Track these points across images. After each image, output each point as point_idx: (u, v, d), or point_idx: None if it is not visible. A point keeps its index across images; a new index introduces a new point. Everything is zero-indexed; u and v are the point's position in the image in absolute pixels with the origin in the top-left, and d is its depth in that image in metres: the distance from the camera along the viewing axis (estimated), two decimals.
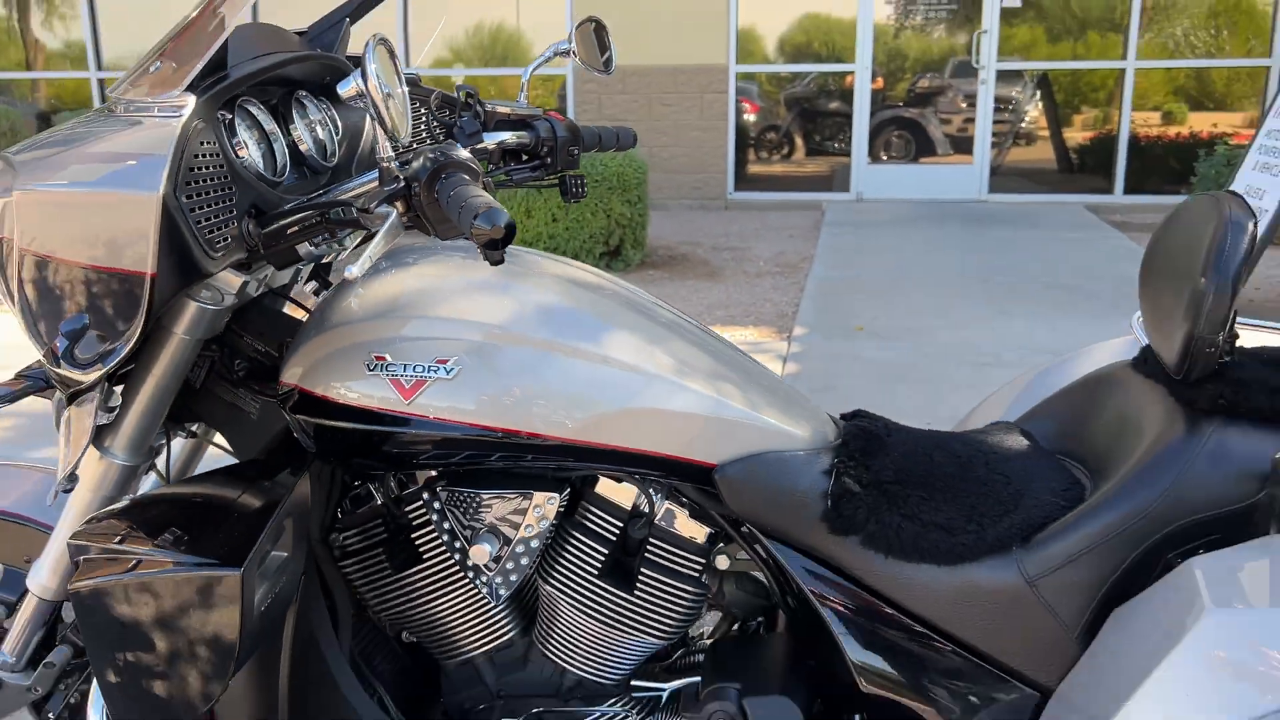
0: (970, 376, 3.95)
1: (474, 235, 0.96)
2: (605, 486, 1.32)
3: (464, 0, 8.79)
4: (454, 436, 1.22)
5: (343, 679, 1.37)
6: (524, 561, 1.31)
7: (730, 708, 1.24)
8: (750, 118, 8.90)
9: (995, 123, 8.53)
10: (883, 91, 8.68)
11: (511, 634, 1.40)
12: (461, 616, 1.38)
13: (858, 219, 7.77)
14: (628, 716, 1.36)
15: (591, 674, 1.38)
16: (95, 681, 1.21)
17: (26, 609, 1.42)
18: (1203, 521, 1.12)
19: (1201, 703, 0.97)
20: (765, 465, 1.25)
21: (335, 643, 1.38)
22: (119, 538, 1.15)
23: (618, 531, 1.32)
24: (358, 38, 1.53)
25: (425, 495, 1.31)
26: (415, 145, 1.10)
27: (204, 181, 1.10)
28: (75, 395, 1.22)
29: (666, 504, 1.32)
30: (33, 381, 1.33)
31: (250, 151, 1.24)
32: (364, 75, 0.97)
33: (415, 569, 1.36)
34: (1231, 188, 4.98)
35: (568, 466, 1.27)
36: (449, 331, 1.22)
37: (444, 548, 1.33)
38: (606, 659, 1.37)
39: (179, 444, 1.54)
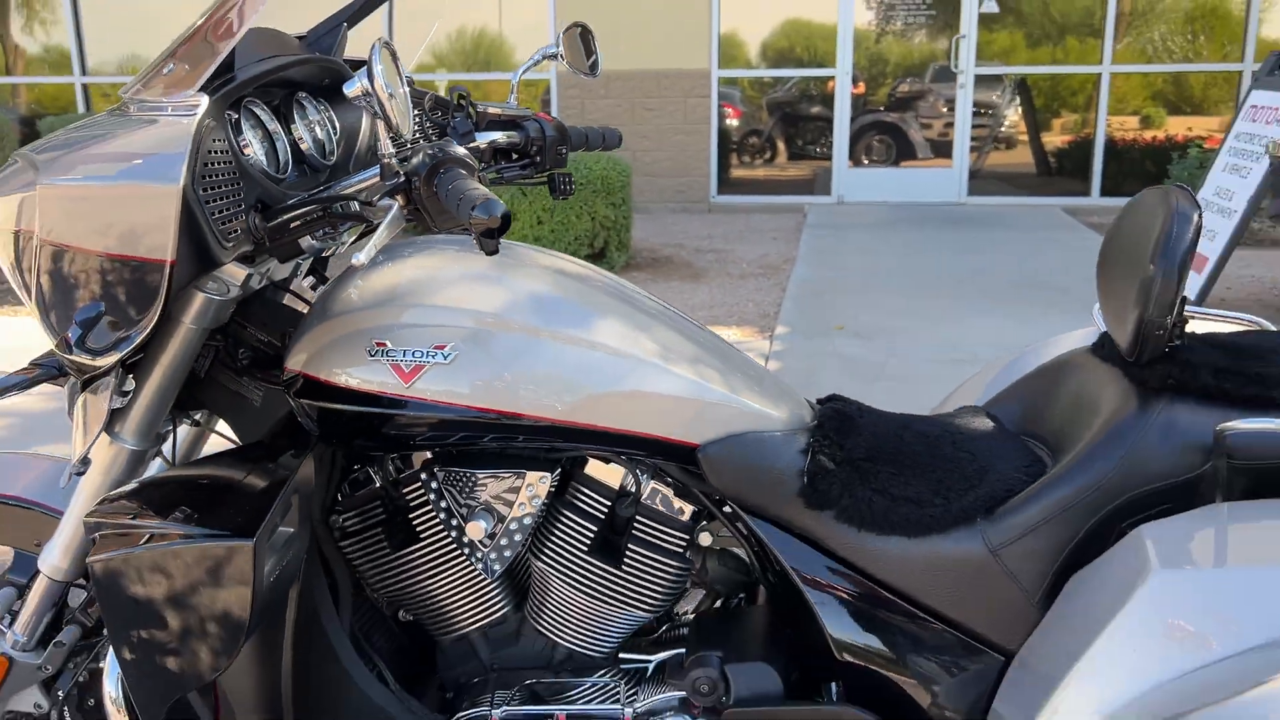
0: (946, 372, 4.04)
1: (472, 225, 1.03)
2: (594, 467, 1.39)
3: (448, 6, 8.85)
4: (450, 418, 1.29)
5: (344, 654, 1.43)
6: (517, 538, 1.38)
7: (713, 674, 1.31)
8: (733, 122, 9.00)
9: (974, 126, 8.66)
10: (864, 96, 8.79)
11: (505, 610, 1.47)
12: (457, 593, 1.45)
13: (839, 222, 7.87)
14: (616, 687, 1.43)
15: (581, 647, 1.45)
16: (111, 651, 1.27)
17: (37, 590, 1.48)
18: (1153, 492, 1.20)
19: (1148, 657, 1.05)
20: (745, 445, 1.32)
21: (336, 619, 1.45)
22: (133, 515, 1.21)
23: (606, 510, 1.39)
24: (353, 42, 1.60)
25: (423, 475, 1.38)
26: (413, 143, 1.17)
27: (216, 177, 1.16)
28: (89, 381, 1.29)
29: (652, 483, 1.39)
30: (45, 370, 1.38)
31: (255, 149, 1.30)
32: (370, 75, 1.04)
33: (413, 548, 1.43)
34: (1203, 189, 5.11)
35: (558, 447, 1.34)
36: (446, 319, 1.29)
37: (441, 526, 1.39)
38: (596, 632, 1.43)
39: (183, 432, 1.60)
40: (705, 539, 1.45)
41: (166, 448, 1.54)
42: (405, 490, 1.42)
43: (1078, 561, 1.21)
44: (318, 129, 1.46)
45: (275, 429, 1.43)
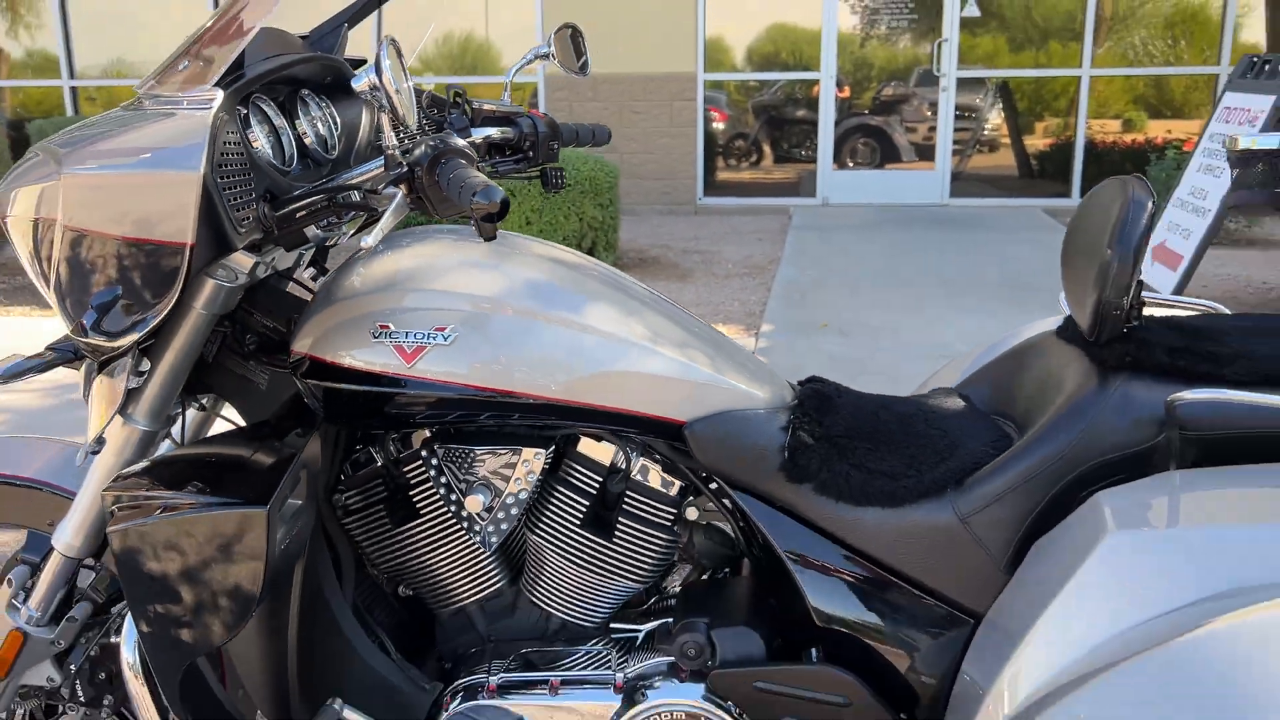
0: (927, 368, 4.13)
1: (473, 210, 1.10)
2: (586, 445, 1.47)
3: (434, 10, 8.91)
4: (450, 397, 1.36)
5: (347, 626, 1.50)
6: (514, 512, 1.45)
7: (700, 639, 1.39)
8: (719, 126, 9.09)
9: (956, 130, 8.77)
10: (848, 100, 8.89)
11: (501, 583, 1.54)
12: (455, 567, 1.52)
13: (823, 223, 7.96)
14: (607, 654, 1.50)
15: (574, 617, 1.52)
16: (129, 619, 1.33)
17: (51, 567, 1.54)
18: (1111, 461, 1.27)
19: (1102, 613, 1.12)
20: (730, 422, 1.39)
21: (340, 594, 1.51)
22: (148, 489, 1.28)
23: (598, 485, 1.46)
24: (351, 42, 1.67)
25: (423, 453, 1.45)
26: (414, 137, 1.24)
27: (229, 167, 1.23)
28: (106, 363, 1.35)
29: (641, 460, 1.46)
30: (60, 353, 1.44)
31: (263, 143, 1.37)
32: (378, 70, 1.11)
33: (413, 523, 1.49)
34: (1178, 189, 5.22)
35: (552, 425, 1.41)
36: (446, 303, 1.36)
37: (440, 500, 1.46)
38: (588, 603, 1.51)
39: (190, 416, 1.67)
40: (692, 514, 1.52)
41: (175, 430, 1.60)
42: (405, 468, 1.48)
43: (1041, 528, 1.29)
44: (320, 125, 1.53)
45: (281, 411, 1.50)
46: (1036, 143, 8.83)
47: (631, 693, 1.43)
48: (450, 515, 1.47)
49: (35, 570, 1.60)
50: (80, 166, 1.20)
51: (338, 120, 1.58)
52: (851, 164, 8.99)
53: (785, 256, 6.64)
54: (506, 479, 1.44)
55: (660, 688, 1.41)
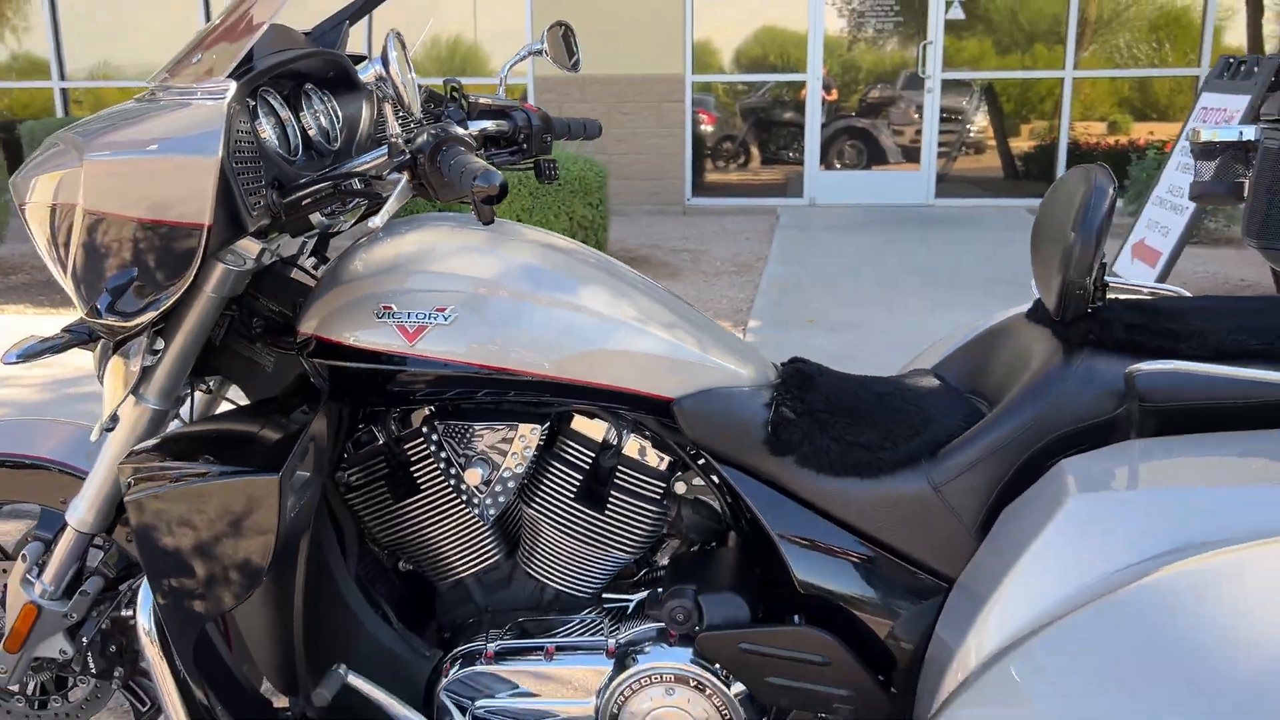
0: (909, 358, 4.21)
1: (474, 193, 1.17)
2: (579, 422, 1.54)
3: (425, 13, 8.97)
4: (450, 374, 1.43)
5: (350, 597, 1.56)
6: (510, 485, 1.52)
7: (688, 604, 1.46)
8: (707, 128, 9.18)
9: (942, 131, 8.88)
10: (835, 102, 8.99)
11: (497, 556, 1.61)
12: (454, 541, 1.58)
13: (810, 223, 8.05)
14: (600, 623, 1.57)
15: (568, 588, 1.59)
16: (144, 585, 1.40)
17: (65, 542, 1.60)
18: (1075, 432, 1.35)
19: (1064, 571, 1.20)
20: (716, 398, 1.47)
21: (344, 567, 1.58)
22: (162, 461, 1.34)
23: (591, 460, 1.53)
24: (350, 42, 1.74)
25: (424, 429, 1.52)
26: (416, 126, 1.31)
27: (241, 154, 1.30)
28: (121, 343, 1.42)
29: (632, 436, 1.54)
30: (75, 335, 1.51)
31: (270, 134, 1.44)
32: (385, 62, 1.18)
33: (413, 499, 1.56)
34: (1157, 188, 5.32)
35: (547, 401, 1.48)
36: (446, 284, 1.43)
37: (440, 475, 1.53)
38: (581, 574, 1.58)
39: (196, 399, 1.73)
40: (680, 488, 1.59)
41: (184, 412, 1.67)
42: (406, 446, 1.55)
43: (1010, 496, 1.36)
44: (322, 117, 1.60)
45: (287, 390, 1.56)
46: (1021, 144, 8.94)
47: (623, 658, 1.50)
48: (449, 490, 1.54)
49: (48, 546, 1.66)
50: (102, 153, 1.27)
51: (339, 114, 1.64)
52: (838, 165, 9.09)
53: (772, 255, 6.72)
54: (504, 454, 1.51)
55: (650, 652, 1.48)
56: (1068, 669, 1.07)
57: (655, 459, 1.54)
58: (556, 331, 1.43)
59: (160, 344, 1.43)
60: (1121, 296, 1.54)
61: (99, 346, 1.47)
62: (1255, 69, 4.73)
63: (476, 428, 1.51)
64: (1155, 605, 1.05)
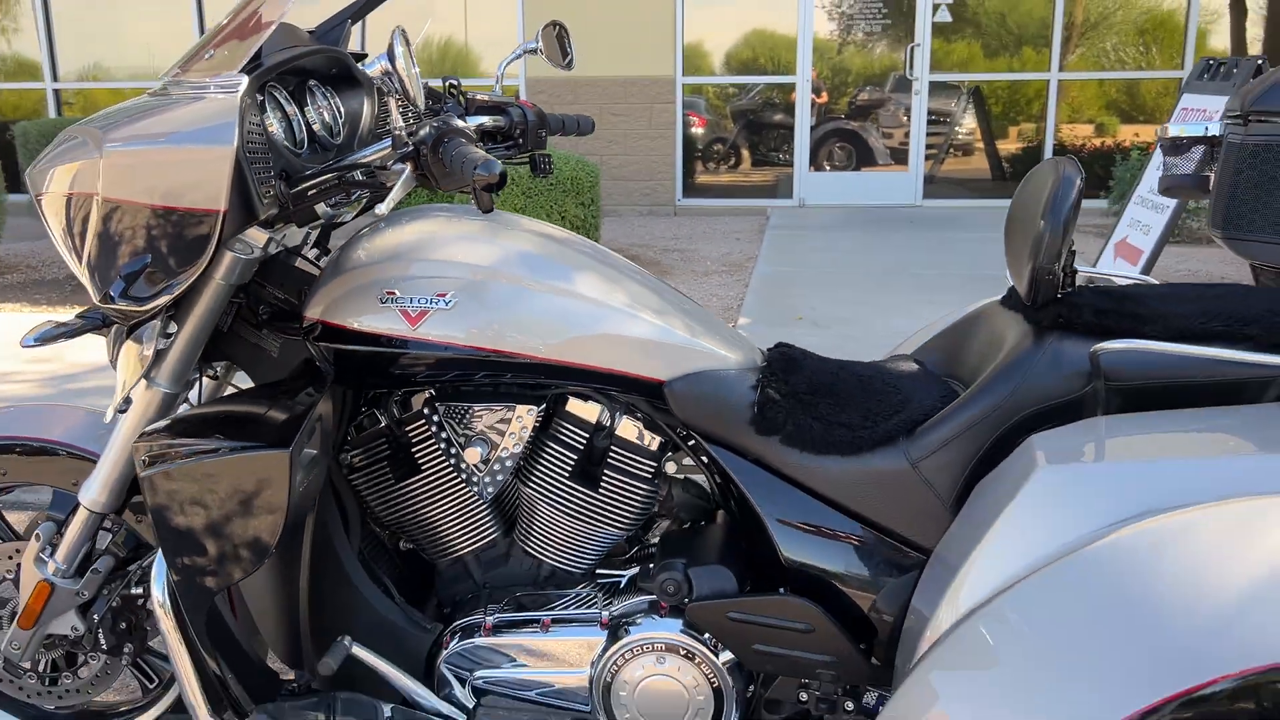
0: None
1: (475, 181, 1.23)
2: (574, 405, 1.60)
3: (417, 16, 9.03)
4: (450, 357, 1.50)
5: (354, 573, 1.63)
6: (508, 464, 1.59)
7: (678, 576, 1.52)
8: (698, 130, 9.27)
9: (930, 133, 8.98)
10: (825, 104, 9.08)
11: (495, 535, 1.67)
12: (453, 520, 1.65)
13: (800, 223, 8.14)
14: (594, 597, 1.64)
15: (564, 564, 1.65)
16: (158, 558, 1.45)
17: (77, 522, 1.66)
18: (1044, 410, 1.42)
19: (1031, 538, 1.27)
20: (705, 380, 1.53)
21: (347, 545, 1.65)
22: (175, 440, 1.40)
23: (585, 441, 1.60)
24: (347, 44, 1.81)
25: (425, 411, 1.58)
26: (418, 119, 1.37)
27: (253, 145, 1.36)
28: (135, 327, 1.48)
29: (625, 418, 1.60)
30: (89, 320, 1.57)
31: (276, 128, 1.50)
32: (392, 57, 1.25)
33: (414, 479, 1.63)
34: (1139, 187, 5.41)
35: (543, 383, 1.55)
36: (447, 271, 1.50)
37: (441, 455, 1.60)
38: (576, 550, 1.64)
39: (203, 385, 1.79)
40: (670, 468, 1.66)
41: (192, 396, 1.73)
42: (408, 428, 1.62)
43: (983, 471, 1.43)
44: (325, 113, 1.66)
45: (293, 373, 1.63)
46: (1008, 145, 9.04)
47: (616, 629, 1.56)
48: (450, 470, 1.60)
49: (60, 527, 1.72)
50: (121, 144, 1.33)
51: (341, 109, 1.71)
52: (828, 166, 9.18)
53: (762, 255, 6.80)
54: (502, 434, 1.58)
55: (642, 623, 1.55)
56: (1032, 624, 1.14)
57: (647, 439, 1.60)
58: (552, 316, 1.50)
59: (173, 327, 1.49)
60: (1090, 284, 1.61)
61: (112, 332, 1.53)
62: (1234, 70, 4.83)
63: (476, 409, 1.58)
64: (1113, 563, 1.12)
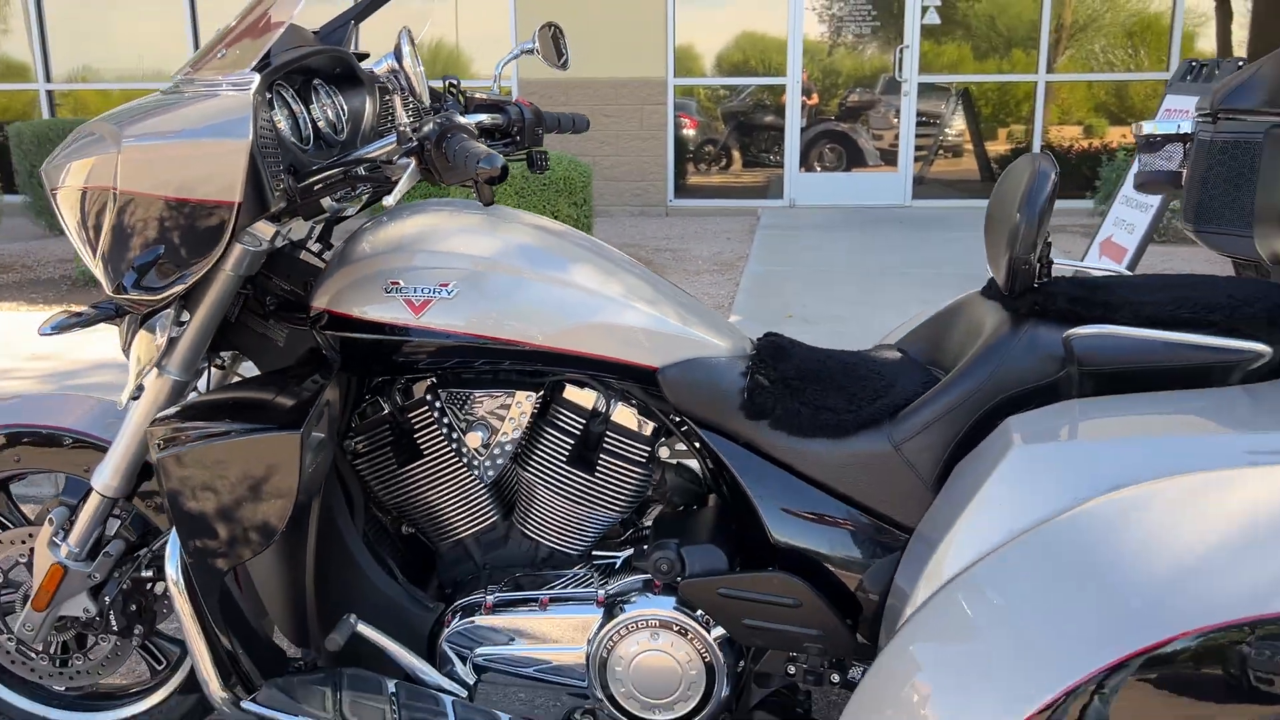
0: None
1: (478, 175, 1.30)
2: (571, 392, 1.66)
3: (418, 15, 9.09)
4: (452, 345, 1.56)
5: (358, 554, 1.69)
6: (508, 449, 1.65)
7: (671, 555, 1.59)
8: (689, 131, 9.34)
9: (919, 134, 9.06)
10: (815, 106, 9.16)
11: (494, 518, 1.73)
12: (454, 503, 1.71)
13: (790, 223, 8.21)
14: (590, 577, 1.70)
15: (561, 546, 1.72)
16: (172, 537, 1.51)
17: (89, 507, 1.72)
18: (1021, 394, 1.49)
19: (1006, 514, 1.33)
20: (697, 367, 1.60)
21: (352, 527, 1.70)
22: (188, 422, 1.46)
23: (581, 426, 1.66)
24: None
25: (427, 397, 1.65)
26: (421, 116, 1.43)
27: (264, 140, 1.42)
28: (148, 316, 1.54)
29: (620, 404, 1.67)
30: (101, 310, 1.63)
31: (284, 125, 1.56)
32: (398, 56, 1.31)
33: (416, 464, 1.69)
34: (1123, 187, 5.49)
35: (541, 371, 1.61)
36: (449, 262, 1.56)
37: (443, 440, 1.66)
38: (573, 532, 1.70)
39: (211, 375, 1.85)
40: (664, 453, 1.72)
41: (200, 385, 1.79)
42: (410, 414, 1.68)
43: (963, 452, 1.50)
44: (330, 111, 1.72)
45: (299, 361, 1.69)
46: (996, 147, 9.14)
47: (611, 607, 1.63)
48: (451, 454, 1.66)
49: (73, 511, 1.78)
50: (138, 139, 1.39)
51: (344, 107, 1.77)
52: (818, 167, 9.26)
53: (753, 254, 6.87)
54: (502, 419, 1.64)
55: (636, 601, 1.61)
56: (1003, 592, 1.20)
57: (641, 425, 1.67)
58: (550, 305, 1.56)
59: (186, 315, 1.55)
60: (1066, 275, 1.68)
61: (125, 322, 1.59)
62: (1216, 71, 4.91)
63: (476, 395, 1.64)
64: (1079, 533, 1.18)
